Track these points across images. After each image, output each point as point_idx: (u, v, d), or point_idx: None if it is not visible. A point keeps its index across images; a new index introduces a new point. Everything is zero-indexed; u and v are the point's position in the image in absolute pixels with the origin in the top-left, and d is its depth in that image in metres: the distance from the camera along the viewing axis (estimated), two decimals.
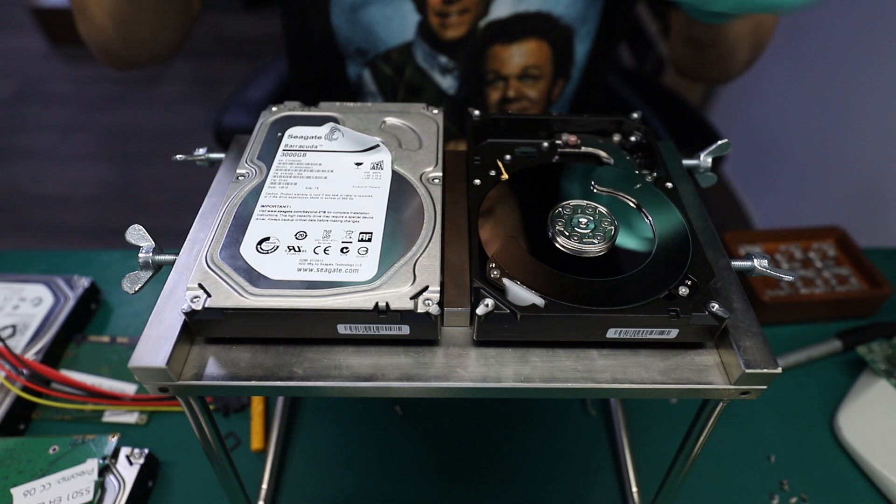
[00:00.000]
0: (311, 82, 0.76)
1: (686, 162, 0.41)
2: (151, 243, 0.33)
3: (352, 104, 0.42)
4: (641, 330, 0.30)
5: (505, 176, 0.38)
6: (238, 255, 0.31)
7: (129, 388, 0.54)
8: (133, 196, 1.85)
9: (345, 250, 0.31)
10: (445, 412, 0.55)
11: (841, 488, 0.50)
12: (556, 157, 0.41)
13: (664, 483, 0.39)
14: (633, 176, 0.38)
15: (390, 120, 0.41)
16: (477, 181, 0.37)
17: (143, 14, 0.56)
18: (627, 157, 0.41)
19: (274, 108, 0.42)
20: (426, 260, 0.31)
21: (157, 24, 0.58)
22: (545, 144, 0.41)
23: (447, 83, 0.68)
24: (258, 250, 0.31)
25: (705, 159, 0.40)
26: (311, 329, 0.30)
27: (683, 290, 0.30)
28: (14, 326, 0.56)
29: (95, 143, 2.05)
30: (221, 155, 0.41)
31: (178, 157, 0.41)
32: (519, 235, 0.34)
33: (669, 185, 0.37)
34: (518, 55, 0.66)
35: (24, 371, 0.51)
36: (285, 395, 0.54)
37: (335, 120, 0.41)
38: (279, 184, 0.36)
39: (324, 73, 0.72)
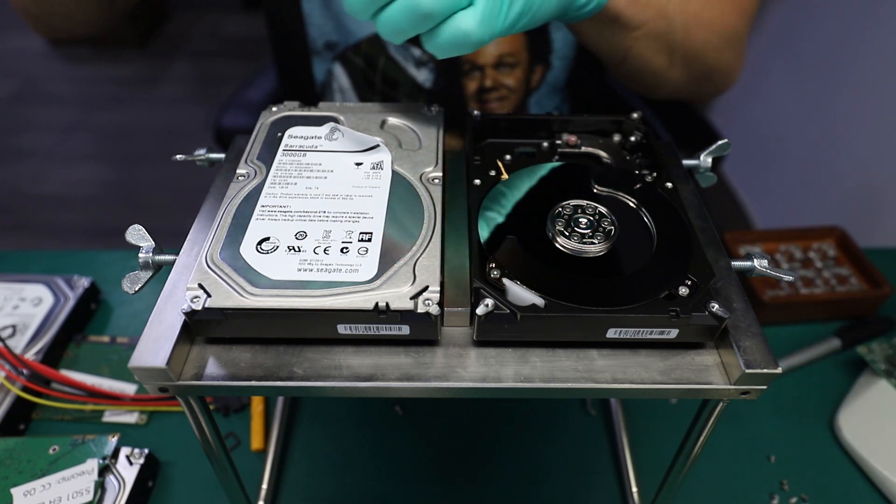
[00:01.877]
0: (286, 80, 0.75)
1: (686, 162, 0.41)
2: (151, 243, 0.33)
3: (352, 104, 0.42)
4: (641, 330, 0.30)
5: (505, 176, 0.38)
6: (238, 255, 0.31)
7: (129, 388, 0.54)
8: (133, 196, 1.85)
9: (345, 250, 0.31)
10: (445, 412, 0.55)
11: (841, 488, 0.50)
12: (556, 157, 0.41)
13: (664, 483, 0.39)
14: (633, 176, 0.38)
15: (390, 120, 0.41)
16: (477, 181, 0.37)
17: None
18: (627, 157, 0.41)
19: (274, 108, 0.42)
20: (426, 260, 0.31)
21: None
22: (545, 144, 0.41)
23: (423, 76, 0.68)
24: (258, 250, 0.31)
25: (705, 159, 0.40)
26: (311, 329, 0.30)
27: (683, 290, 0.30)
28: (14, 326, 0.56)
29: (95, 143, 2.05)
30: (221, 155, 0.41)
31: (178, 157, 0.41)
32: (519, 235, 0.34)
33: (669, 185, 0.37)
34: (492, 44, 0.65)
35: (24, 371, 0.51)
36: (285, 395, 0.54)
37: (335, 120, 0.41)
38: (279, 184, 0.36)
39: (295, 71, 0.71)
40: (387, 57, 0.67)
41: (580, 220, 0.34)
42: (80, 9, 0.57)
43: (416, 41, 0.65)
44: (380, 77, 0.68)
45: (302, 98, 0.42)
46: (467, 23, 0.32)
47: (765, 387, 0.30)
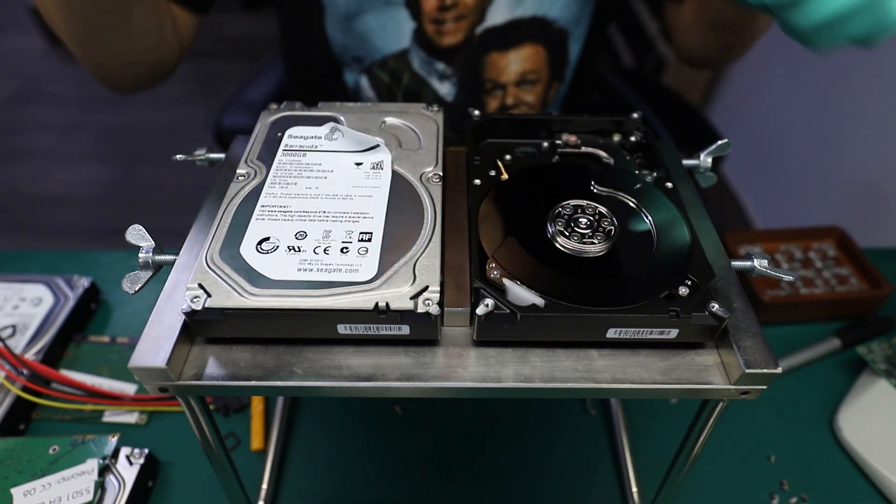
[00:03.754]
0: (308, 89, 0.76)
1: (686, 162, 0.41)
2: (151, 243, 0.33)
3: (352, 104, 0.42)
4: (641, 330, 0.30)
5: (505, 176, 0.38)
6: (238, 255, 0.31)
7: (129, 388, 0.54)
8: (133, 196, 1.85)
9: (345, 250, 0.31)
10: (445, 412, 0.55)
11: (841, 488, 0.50)
12: (556, 157, 0.41)
13: (664, 483, 0.39)
14: (633, 176, 0.38)
15: (390, 120, 0.41)
16: (477, 181, 0.37)
17: (110, 43, 0.53)
18: (627, 157, 0.41)
19: (274, 108, 0.42)
20: (426, 260, 0.31)
21: (131, 54, 0.56)
22: (545, 144, 0.41)
23: (445, 89, 0.68)
24: (258, 250, 0.31)
25: (705, 159, 0.40)
26: (311, 329, 0.30)
27: (683, 290, 0.30)
28: (14, 326, 0.56)
29: (95, 143, 2.05)
30: (221, 155, 0.41)
31: (178, 157, 0.41)
32: (519, 235, 0.34)
33: (669, 185, 0.37)
34: (515, 62, 0.66)
35: (24, 371, 0.51)
36: (285, 395, 0.54)
37: (335, 120, 0.41)
38: (279, 184, 0.36)
39: (321, 81, 0.72)
40: (411, 73, 0.67)
41: (580, 220, 0.34)
42: (136, 72, 0.59)
43: (441, 57, 0.65)
44: (402, 91, 0.68)
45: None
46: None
47: (765, 387, 0.30)
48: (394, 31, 0.64)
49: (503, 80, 0.68)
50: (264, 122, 0.41)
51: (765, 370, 0.29)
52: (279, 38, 0.73)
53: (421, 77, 0.67)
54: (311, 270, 0.30)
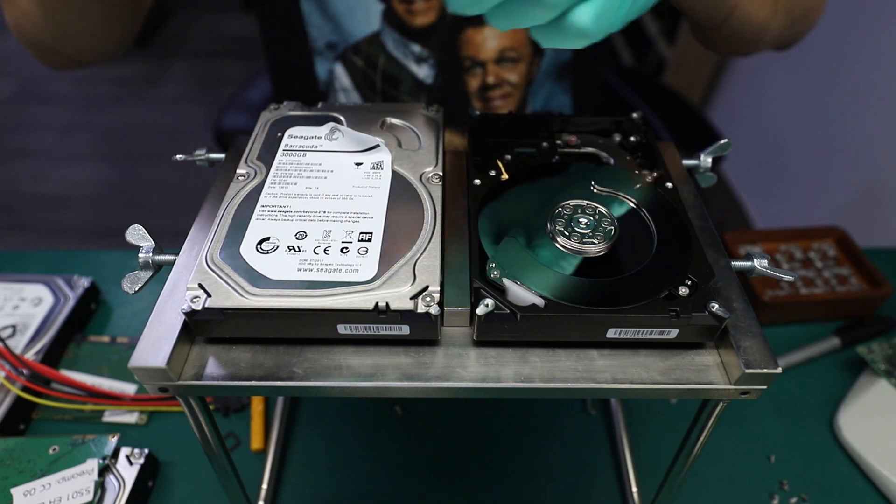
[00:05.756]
0: (284, 82, 0.75)
1: (686, 162, 0.41)
2: (151, 243, 0.33)
3: (352, 104, 0.42)
4: (641, 330, 0.30)
5: (505, 176, 0.38)
6: (238, 255, 0.31)
7: (129, 388, 0.54)
8: (133, 196, 1.85)
9: (345, 250, 0.31)
10: (445, 412, 0.55)
11: (841, 488, 0.50)
12: (556, 157, 0.41)
13: (664, 483, 0.39)
14: (633, 176, 0.38)
15: (390, 120, 0.41)
16: (477, 181, 0.37)
17: (78, 2, 0.47)
18: (627, 157, 0.41)
19: (274, 108, 0.42)
20: (426, 260, 0.31)
21: (96, 16, 0.49)
22: (545, 144, 0.41)
23: (423, 72, 0.67)
24: (258, 250, 0.31)
25: (705, 159, 0.40)
26: (311, 329, 0.30)
27: (683, 290, 0.30)
28: (14, 326, 0.56)
29: (95, 143, 2.05)
30: (221, 155, 0.41)
31: (178, 157, 0.41)
32: (519, 235, 0.34)
33: (669, 185, 0.37)
34: (492, 38, 0.65)
35: (24, 371, 0.51)
36: (285, 395, 0.54)
37: (335, 120, 0.41)
38: (279, 184, 0.36)
39: (294, 72, 0.71)
40: (386, 55, 0.66)
41: (580, 220, 0.34)
42: (99, 28, 0.51)
43: (416, 38, 0.65)
44: (380, 76, 0.68)
45: (302, 99, 0.42)
46: (583, 18, 0.29)
47: (765, 387, 0.30)
48: (363, 13, 0.63)
49: (482, 58, 0.66)
50: (264, 122, 0.41)
51: (765, 370, 0.29)
52: (259, 30, 0.72)
53: (397, 59, 0.66)
54: (311, 270, 0.30)
